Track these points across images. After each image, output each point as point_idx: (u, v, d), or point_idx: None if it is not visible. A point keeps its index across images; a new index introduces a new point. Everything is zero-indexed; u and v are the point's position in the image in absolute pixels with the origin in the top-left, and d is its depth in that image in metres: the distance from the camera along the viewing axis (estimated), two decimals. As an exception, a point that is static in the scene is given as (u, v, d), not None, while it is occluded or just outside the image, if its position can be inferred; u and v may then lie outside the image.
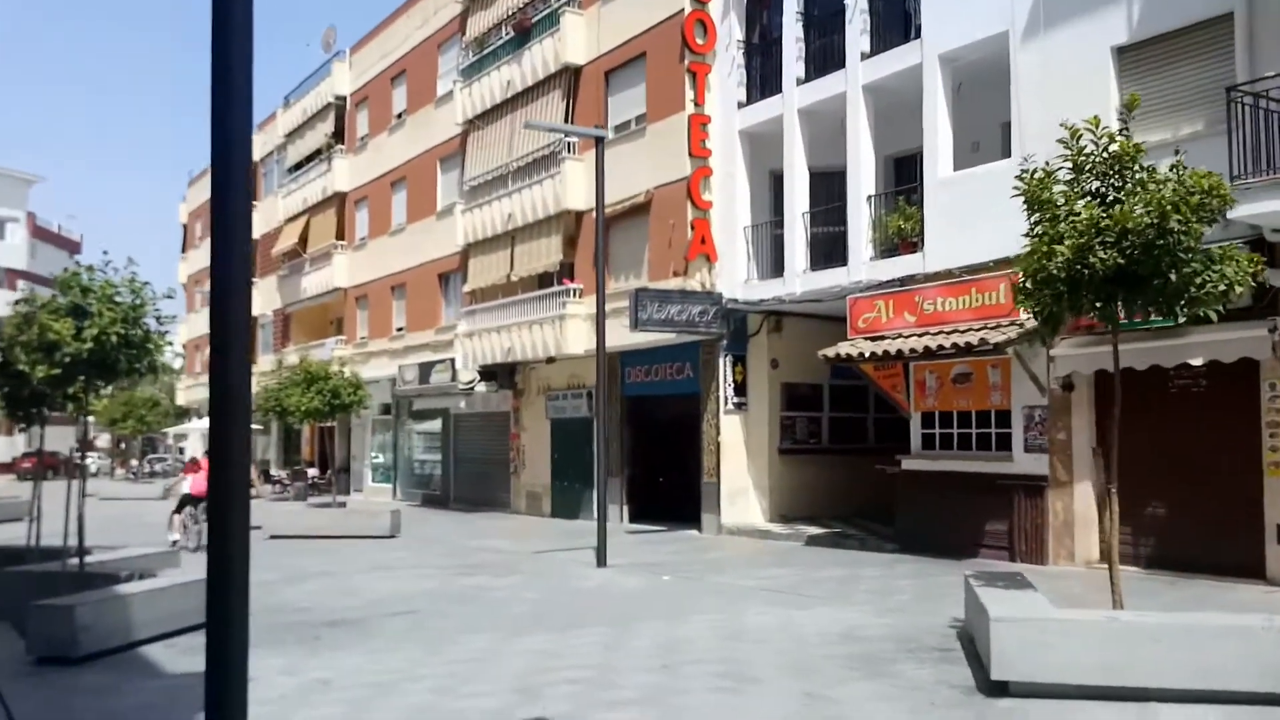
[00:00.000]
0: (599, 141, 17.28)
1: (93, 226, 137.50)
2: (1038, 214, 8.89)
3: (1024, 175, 9.11)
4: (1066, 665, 7.68)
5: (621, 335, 20.77)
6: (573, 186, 23.68)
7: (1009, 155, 16.07)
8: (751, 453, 20.66)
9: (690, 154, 20.75)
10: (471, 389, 27.26)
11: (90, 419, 12.56)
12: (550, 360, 24.70)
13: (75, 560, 12.04)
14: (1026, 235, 9.05)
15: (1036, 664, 7.74)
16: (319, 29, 40.12)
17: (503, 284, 26.26)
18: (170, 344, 12.98)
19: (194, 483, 20.24)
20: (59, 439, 70.28)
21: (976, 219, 15.73)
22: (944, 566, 14.72)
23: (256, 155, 44.80)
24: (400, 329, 32.59)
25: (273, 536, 22.12)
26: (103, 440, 66.13)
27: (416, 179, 31.73)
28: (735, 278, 20.45)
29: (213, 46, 4.03)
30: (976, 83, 16.99)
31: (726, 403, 20.52)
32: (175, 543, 19.55)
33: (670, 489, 23.15)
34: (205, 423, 31.16)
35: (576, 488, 24.87)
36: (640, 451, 23.59)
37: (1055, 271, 8.34)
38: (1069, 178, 8.90)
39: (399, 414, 33.28)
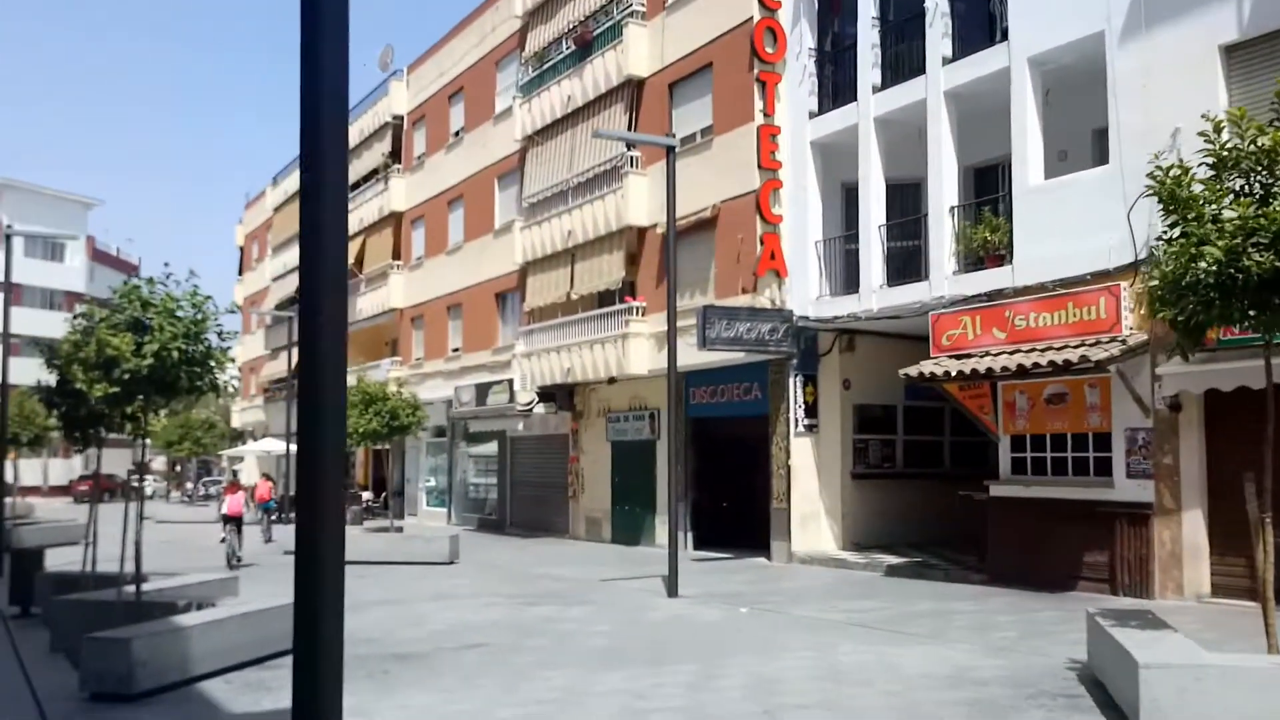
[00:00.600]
0: (669, 151, 16.63)
1: (150, 250, 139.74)
2: (1175, 214, 8.04)
3: (1157, 173, 8.28)
4: (1226, 717, 6.81)
5: (687, 354, 19.98)
6: (635, 202, 23.07)
7: (1102, 163, 15.25)
8: (823, 477, 19.81)
9: (760, 166, 20.06)
10: (530, 410, 26.64)
11: (147, 441, 12.06)
12: (611, 381, 24.05)
13: (131, 588, 11.53)
14: (1162, 239, 8.22)
15: (1193, 715, 6.88)
16: (376, 49, 39.96)
17: (562, 302, 25.69)
18: (233, 360, 12.47)
19: (230, 504, 21.94)
20: (115, 462, 70.83)
21: (1070, 229, 14.86)
22: (1041, 600, 13.77)
23: (312, 176, 44.80)
24: (456, 349, 32.15)
25: (330, 561, 21.61)
26: (158, 463, 66.51)
27: (474, 197, 31.34)
28: (806, 294, 19.68)
29: (302, 41, 3.51)
30: (1064, 88, 16.15)
31: (797, 425, 19.71)
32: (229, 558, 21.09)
33: (734, 514, 22.36)
34: (260, 445, 31.08)
35: (638, 513, 24.13)
36: (704, 475, 22.81)
37: (1203, 276, 7.50)
38: (1208, 175, 8.07)
39: (454, 436, 32.78)
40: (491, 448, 30.76)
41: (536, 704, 8.82)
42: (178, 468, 63.40)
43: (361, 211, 38.10)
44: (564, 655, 11.00)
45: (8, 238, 22.41)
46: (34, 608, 14.37)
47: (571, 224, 25.08)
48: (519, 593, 16.24)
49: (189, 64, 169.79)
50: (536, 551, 23.52)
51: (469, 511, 32.15)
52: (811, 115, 19.97)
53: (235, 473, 47.09)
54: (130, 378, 10.67)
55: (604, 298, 24.68)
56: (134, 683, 9.20)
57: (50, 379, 13.08)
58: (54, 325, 32.80)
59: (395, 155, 36.54)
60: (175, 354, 10.81)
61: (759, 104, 20.27)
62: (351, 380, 29.10)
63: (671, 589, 15.16)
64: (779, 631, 12.15)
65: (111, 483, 63.64)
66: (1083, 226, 14.70)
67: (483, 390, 28.81)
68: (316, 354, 3.44)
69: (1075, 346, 14.18)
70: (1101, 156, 15.71)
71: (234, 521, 21.56)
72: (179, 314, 11.10)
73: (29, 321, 50.82)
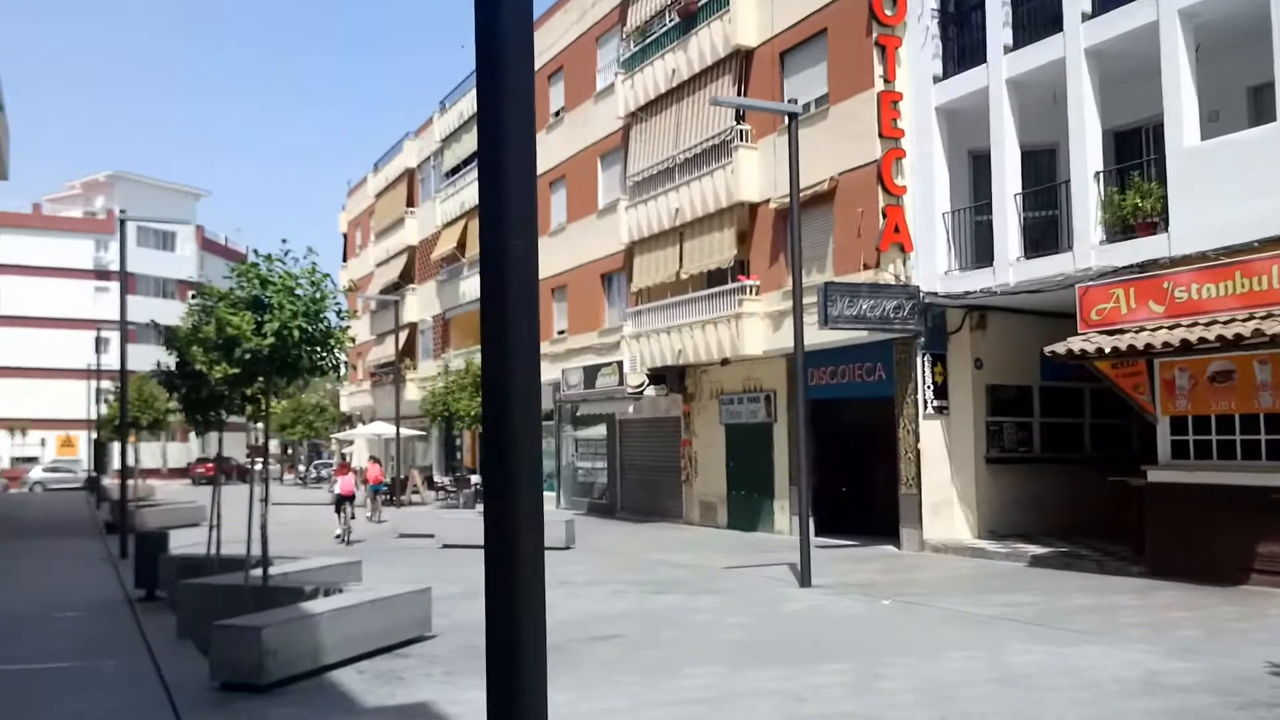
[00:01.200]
0: (791, 118, 15.83)
1: (256, 239, 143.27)
2: None
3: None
4: None
5: (806, 334, 19.17)
6: (746, 177, 22.28)
7: (1260, 122, 13.99)
8: (955, 461, 18.83)
9: (880, 135, 19.08)
10: (640, 393, 26.08)
11: (267, 424, 11.78)
12: (724, 362, 23.34)
13: (258, 572, 11.26)
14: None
15: None
16: (473, 31, 39.55)
17: (671, 282, 25.06)
18: (353, 340, 12.12)
19: (341, 484, 23.33)
20: (230, 445, 72.74)
21: (1232, 194, 13.68)
22: (1213, 595, 12.68)
23: (413, 161, 44.97)
24: (561, 332, 31.77)
25: (445, 545, 21.42)
26: (271, 446, 67.94)
27: (576, 177, 30.86)
28: (933, 269, 18.68)
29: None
30: (1215, 43, 14.91)
31: (925, 407, 18.75)
32: (338, 537, 22.63)
33: (855, 500, 21.51)
34: (370, 429, 31.14)
35: (755, 498, 23.42)
36: (822, 459, 21.96)
37: None
38: None
39: (560, 420, 32.44)
40: (600, 430, 30.34)
41: (686, 704, 8.23)
42: (289, 451, 64.70)
43: (463, 195, 37.95)
44: (702, 649, 10.40)
45: (122, 225, 22.66)
46: (159, 591, 14.32)
47: (679, 201, 24.40)
48: (641, 580, 15.69)
49: (290, 59, 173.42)
50: (650, 536, 22.99)
51: (577, 495, 31.81)
52: (936, 80, 18.92)
53: (345, 455, 47.72)
54: (251, 358, 10.33)
55: (714, 277, 23.97)
56: (265, 673, 8.86)
57: (170, 361, 12.94)
58: (168, 313, 33.79)
59: (497, 137, 36.24)
60: (296, 333, 10.44)
61: (879, 69, 19.28)
62: (460, 363, 28.95)
63: (804, 578, 14.42)
64: (932, 627, 11.36)
65: (229, 465, 65.37)
66: (1246, 190, 13.52)
67: (591, 373, 28.34)
68: (505, 296, 2.83)
69: (1245, 320, 13.02)
70: (1259, 115, 14.47)
71: (345, 501, 22.96)
72: (298, 292, 10.72)
73: (144, 310, 52.16)
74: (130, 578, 15.39)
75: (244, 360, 10.27)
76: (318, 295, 10.75)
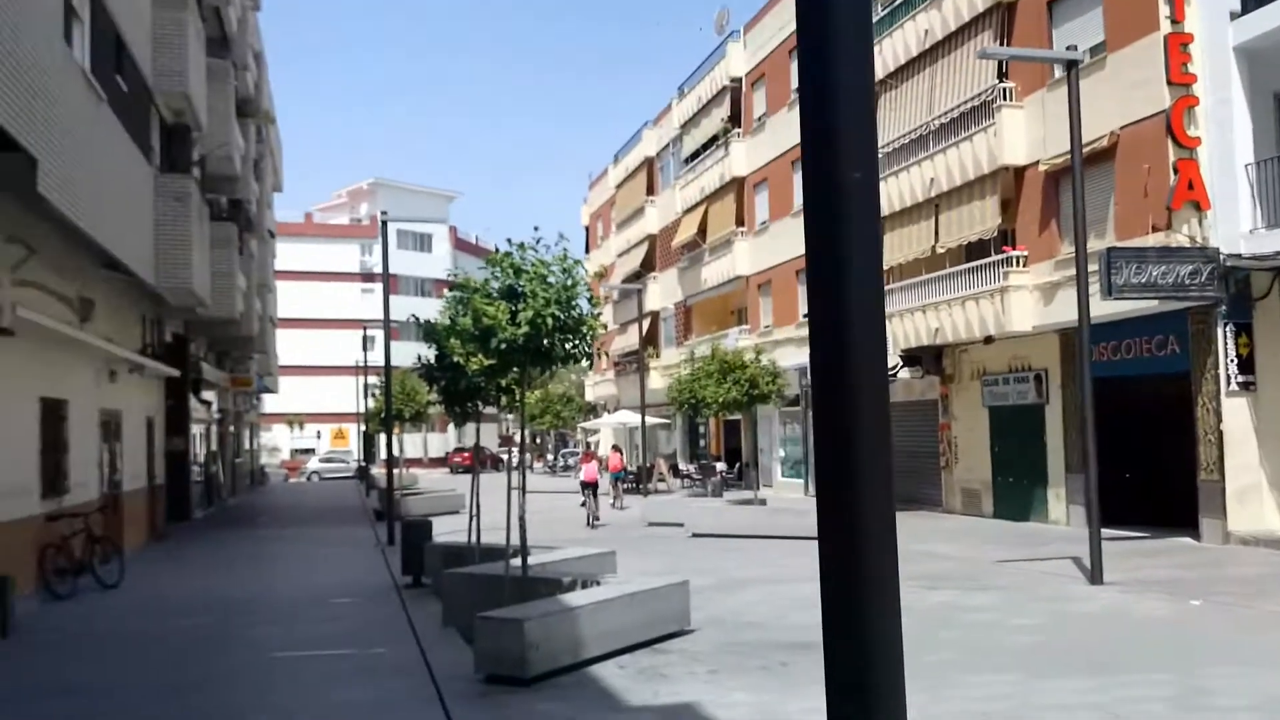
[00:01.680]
0: (1070, 67, 14.30)
1: (502, 236, 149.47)
2: None
3: None
4: None
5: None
6: (1010, 138, 20.63)
7: None
8: (1265, 443, 16.67)
9: (1169, 82, 17.09)
10: (894, 375, 24.80)
11: (509, 416, 11.64)
12: (988, 340, 21.76)
13: (517, 561, 11.14)
14: None
15: None
16: (711, 13, 39.37)
17: (925, 257, 23.65)
18: (605, 326, 11.79)
19: (585, 472, 24.72)
20: (483, 435, 76.16)
21: None
22: None
23: (652, 150, 45.08)
24: (808, 315, 30.79)
25: (695, 535, 21.08)
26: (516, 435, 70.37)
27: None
28: (1235, 228, 16.57)
29: None
30: None
31: (1229, 383, 16.69)
32: (592, 522, 23.97)
33: (1142, 487, 19.52)
34: (617, 418, 31.26)
35: (1025, 484, 21.76)
36: (1102, 443, 19.97)
37: None
38: None
39: (808, 404, 31.50)
40: (849, 416, 29.22)
41: (977, 716, 7.32)
42: (538, 440, 66.88)
43: (702, 180, 37.60)
44: (988, 654, 9.39)
45: (384, 225, 23.63)
46: (424, 577, 14.62)
47: (933, 171, 22.96)
48: (907, 574, 14.54)
49: (526, 67, 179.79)
50: (910, 526, 21.77)
51: (825, 483, 30.82)
52: (1233, 16, 16.78)
53: (589, 444, 48.63)
54: (506, 347, 10.15)
55: (974, 249, 22.43)
56: (528, 666, 8.62)
57: (430, 355, 13.08)
58: (426, 310, 35.25)
59: (734, 119, 35.66)
60: (549, 320, 10.18)
61: (1164, 9, 17.26)
62: (705, 350, 28.58)
63: (1095, 574, 13.02)
64: (1255, 632, 9.87)
65: (484, 455, 68.28)
66: None
67: (839, 356, 27.25)
68: (839, 244, 2.13)
69: None
70: None
71: (590, 487, 24.19)
72: (550, 280, 10.46)
73: (404, 308, 54.98)
74: (398, 564, 15.83)
75: (499, 350, 10.11)
76: (569, 282, 10.46)
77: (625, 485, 31.61)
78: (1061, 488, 20.67)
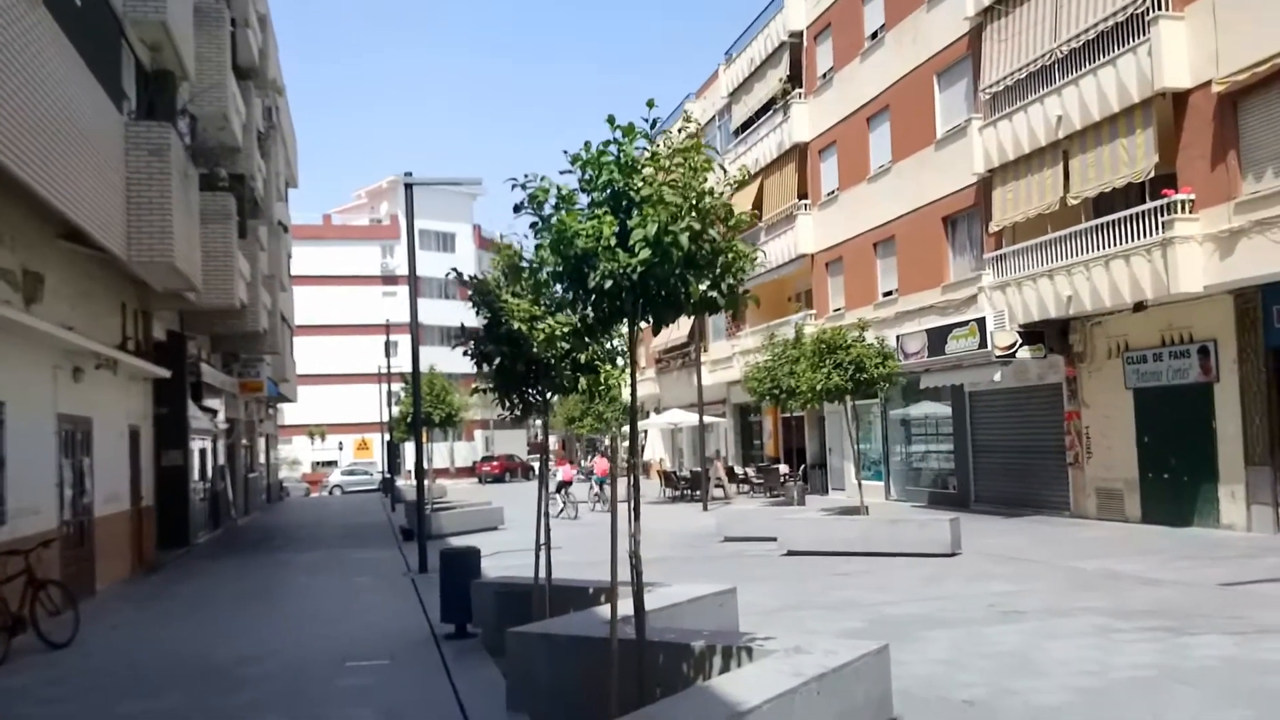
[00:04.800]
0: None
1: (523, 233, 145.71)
2: None
3: None
4: None
5: (1263, 260, 13.93)
6: (1171, 56, 16.83)
7: None
8: None
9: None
10: (1012, 355, 20.95)
11: (536, 421, 8.15)
12: (1138, 307, 17.94)
13: (607, 610, 7.43)
14: None
15: None
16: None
17: (1051, 213, 19.85)
18: (763, 254, 8.19)
19: (563, 472, 28.72)
20: (510, 443, 72.47)
21: None
22: None
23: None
24: (889, 293, 26.98)
25: (789, 552, 17.33)
26: (551, 442, 66.73)
27: (904, 105, 25.97)
28: None
29: None
30: None
31: None
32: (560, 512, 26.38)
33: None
34: (665, 418, 27.12)
35: (1185, 482, 17.91)
36: (1294, 428, 16.25)
37: None
38: None
39: (887, 395, 27.67)
40: (940, 407, 25.44)
41: None
42: (564, 446, 63.13)
43: (756, 151, 33.84)
44: None
45: (408, 189, 19.99)
46: (471, 625, 10.98)
47: (1062, 107, 19.15)
48: (1115, 609, 10.86)
49: (543, 71, 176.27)
50: (1047, 536, 17.94)
51: (911, 485, 27.04)
52: None
53: (603, 449, 45.11)
54: (613, 286, 6.40)
55: (1103, 201, 18.66)
56: None
57: (478, 322, 9.46)
58: (449, 314, 31.59)
59: (794, 79, 31.86)
60: (684, 239, 6.43)
61: None
62: (787, 332, 24.72)
63: None
64: None
65: (515, 463, 64.56)
66: None
67: (937, 337, 23.42)
68: None
69: None
70: None
71: (565, 486, 28.05)
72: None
73: (428, 311, 51.61)
74: (432, 600, 12.22)
75: (604, 290, 6.36)
76: (705, 187, 6.77)
77: (675, 494, 33.49)
78: (1239, 484, 16.83)
